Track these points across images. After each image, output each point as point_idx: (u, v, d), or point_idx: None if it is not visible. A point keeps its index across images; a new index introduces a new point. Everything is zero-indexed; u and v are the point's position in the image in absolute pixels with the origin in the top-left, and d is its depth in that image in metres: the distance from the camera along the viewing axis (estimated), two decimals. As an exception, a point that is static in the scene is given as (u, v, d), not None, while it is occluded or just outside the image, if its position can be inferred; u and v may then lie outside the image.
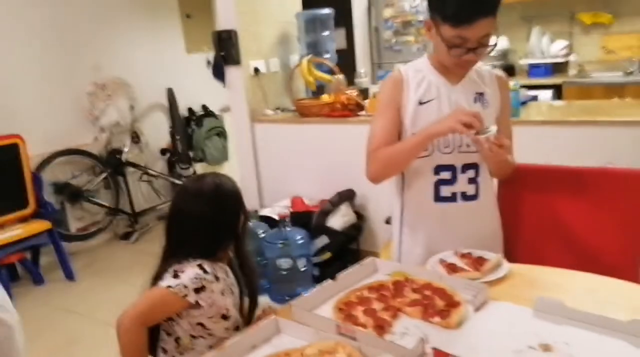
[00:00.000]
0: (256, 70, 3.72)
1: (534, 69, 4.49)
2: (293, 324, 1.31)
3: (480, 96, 1.62)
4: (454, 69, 1.57)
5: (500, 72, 1.70)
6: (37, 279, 3.77)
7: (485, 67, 1.67)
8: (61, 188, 4.15)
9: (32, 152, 3.73)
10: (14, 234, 3.46)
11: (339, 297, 1.42)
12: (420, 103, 1.60)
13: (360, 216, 3.44)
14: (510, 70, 4.59)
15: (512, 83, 2.85)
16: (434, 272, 1.50)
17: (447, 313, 1.28)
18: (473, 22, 1.42)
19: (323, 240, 3.25)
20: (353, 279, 1.52)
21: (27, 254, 3.79)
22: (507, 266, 1.51)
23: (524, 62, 4.60)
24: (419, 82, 1.62)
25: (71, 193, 4.23)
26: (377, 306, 1.37)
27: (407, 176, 1.70)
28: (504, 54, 4.62)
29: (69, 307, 3.40)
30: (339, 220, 3.29)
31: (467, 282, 1.39)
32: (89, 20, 4.32)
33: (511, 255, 1.65)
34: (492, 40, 1.49)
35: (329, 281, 1.49)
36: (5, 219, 3.50)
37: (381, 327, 1.26)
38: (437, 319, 1.28)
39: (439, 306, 1.33)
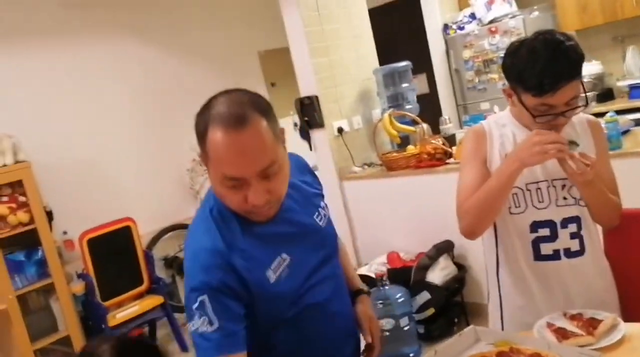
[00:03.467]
0: (340, 130, 3.79)
1: (634, 90, 4.19)
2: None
3: (572, 145, 1.53)
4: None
5: (591, 117, 1.60)
6: (155, 352, 3.96)
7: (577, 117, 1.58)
8: (171, 262, 4.40)
9: (142, 231, 4.00)
10: (132, 311, 3.70)
11: (441, 374, 1.36)
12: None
13: (460, 267, 3.31)
14: (608, 94, 4.32)
15: (607, 114, 2.68)
16: (541, 340, 1.39)
17: (560, 388, 1.18)
18: (557, 89, 1.35)
19: (424, 296, 3.15)
20: (454, 351, 1.45)
21: (145, 328, 4.01)
22: (623, 326, 1.37)
23: (622, 84, 4.32)
24: (503, 137, 1.56)
25: (180, 266, 4.46)
26: (481, 381, 1.29)
27: (500, 235, 1.62)
28: (600, 78, 4.36)
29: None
30: (438, 274, 3.19)
31: (579, 351, 1.28)
32: (181, 101, 4.66)
33: (628, 313, 1.50)
34: (581, 100, 1.41)
35: (430, 353, 1.44)
36: (123, 297, 3.76)
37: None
38: (549, 395, 1.18)
39: (550, 379, 1.23)
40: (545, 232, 1.54)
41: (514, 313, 1.62)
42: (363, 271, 3.43)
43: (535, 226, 1.54)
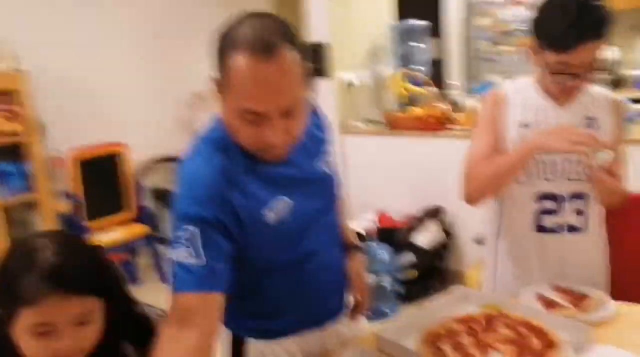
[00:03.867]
0: (347, 82, 3.71)
1: (644, 81, 4.15)
2: (377, 352, 1.27)
3: (591, 121, 1.50)
4: (558, 95, 1.47)
5: (616, 97, 1.57)
6: (135, 279, 3.99)
7: (600, 90, 1.54)
8: (160, 194, 4.37)
9: (134, 159, 3.95)
10: (115, 236, 3.69)
11: (426, 329, 1.36)
12: (525, 126, 1.51)
13: (448, 233, 3.33)
14: (618, 82, 4.26)
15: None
16: (530, 307, 1.39)
17: (544, 355, 1.19)
18: (577, 47, 1.32)
19: (408, 257, 3.17)
20: (440, 308, 1.45)
21: (125, 255, 4.01)
22: (612, 305, 1.38)
23: (634, 73, 4.26)
24: (522, 103, 1.52)
25: (168, 199, 4.44)
26: (466, 340, 1.29)
27: (503, 203, 1.60)
28: (612, 65, 4.30)
29: (163, 307, 3.56)
30: (425, 237, 3.20)
31: (567, 322, 1.28)
32: (186, 33, 4.53)
33: (619, 293, 1.51)
34: (599, 63, 1.37)
35: (414, 309, 1.44)
36: (107, 221, 3.74)
37: (470, 365, 1.19)
38: (533, 361, 1.19)
39: (535, 346, 1.23)
40: (549, 205, 1.52)
41: (507, 282, 1.62)
42: (351, 225, 3.43)
43: (540, 197, 1.52)
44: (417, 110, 3.46)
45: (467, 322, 1.36)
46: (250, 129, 1.04)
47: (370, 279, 3.01)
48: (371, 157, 3.67)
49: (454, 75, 4.75)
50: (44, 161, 3.52)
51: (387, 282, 3.05)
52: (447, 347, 1.27)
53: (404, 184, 3.53)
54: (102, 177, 3.71)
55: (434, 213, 3.28)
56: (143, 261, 4.13)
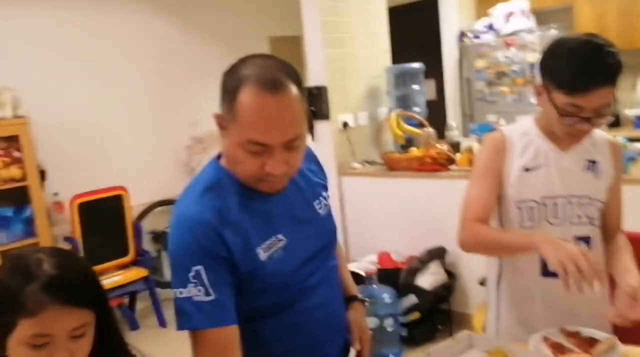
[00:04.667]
0: (345, 124, 3.75)
1: (641, 120, 4.20)
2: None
3: (592, 164, 1.51)
4: (564, 138, 1.47)
5: (613, 138, 1.58)
6: (133, 325, 3.92)
7: (599, 133, 1.55)
8: (158, 237, 4.35)
9: (133, 202, 3.95)
10: (114, 280, 3.65)
11: (432, 376, 1.34)
12: (527, 170, 1.50)
13: (451, 274, 3.30)
14: (617, 122, 4.32)
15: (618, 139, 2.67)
16: (538, 352, 1.37)
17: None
18: (590, 91, 1.32)
19: (411, 299, 3.13)
20: (446, 354, 1.43)
21: (125, 299, 3.96)
22: (622, 348, 1.36)
23: (631, 112, 4.31)
24: (524, 147, 1.52)
25: (167, 241, 4.41)
26: (473, 388, 1.27)
27: None
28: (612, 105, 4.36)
29: (161, 352, 3.49)
30: (428, 279, 3.17)
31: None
32: (186, 78, 4.60)
33: (624, 335, 1.49)
34: (610, 109, 1.38)
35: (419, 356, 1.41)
36: (107, 266, 3.71)
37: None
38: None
39: (544, 393, 1.21)
40: None
41: (510, 327, 1.59)
42: (352, 267, 3.40)
43: None
44: (415, 151, 3.48)
45: (474, 368, 1.34)
46: (253, 160, 1.09)
47: (372, 322, 2.97)
48: (370, 198, 3.67)
49: (452, 116, 4.82)
50: (45, 206, 3.53)
51: (389, 325, 3.00)
52: (454, 396, 1.24)
53: (404, 224, 3.51)
54: (102, 221, 3.70)
55: (437, 254, 3.25)
56: (142, 305, 4.08)
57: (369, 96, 3.97)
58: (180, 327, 1.09)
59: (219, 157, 1.22)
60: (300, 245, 1.21)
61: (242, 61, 1.11)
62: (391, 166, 3.56)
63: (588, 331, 1.43)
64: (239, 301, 1.13)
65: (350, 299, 1.42)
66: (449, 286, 3.26)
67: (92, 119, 4.07)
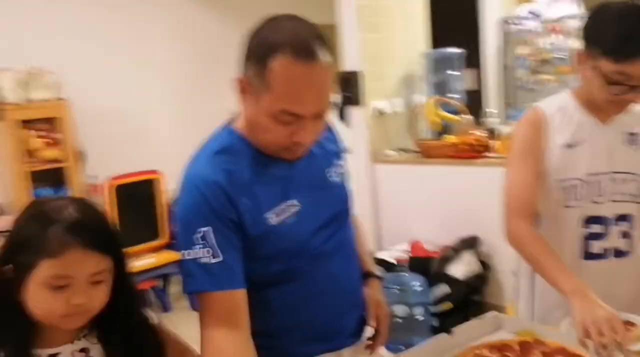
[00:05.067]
0: (379, 110, 3.69)
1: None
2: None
3: (632, 137, 1.43)
4: (607, 107, 1.38)
5: None
6: (166, 307, 3.98)
7: (637, 105, 1.46)
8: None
9: (168, 187, 3.99)
10: (148, 263, 3.70)
11: (454, 354, 1.28)
12: (569, 146, 1.42)
13: (485, 265, 3.20)
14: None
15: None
16: (569, 335, 1.29)
17: (584, 385, 1.09)
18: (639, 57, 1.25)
19: (443, 289, 3.06)
20: (472, 334, 1.36)
21: (158, 282, 4.02)
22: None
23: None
24: (563, 122, 1.43)
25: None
26: (498, 367, 1.20)
27: (545, 229, 1.49)
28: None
29: (192, 336, 3.52)
30: (461, 268, 3.09)
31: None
32: (224, 65, 4.61)
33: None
34: None
35: (444, 335, 1.35)
36: (141, 248, 3.76)
37: (502, 394, 1.10)
38: (571, 391, 1.09)
39: (573, 375, 1.14)
40: (596, 228, 1.43)
41: (545, 313, 1.51)
42: (383, 255, 3.35)
43: (588, 221, 1.44)
44: (451, 138, 3.39)
45: (500, 349, 1.28)
46: (282, 129, 1.05)
47: (401, 310, 2.91)
48: (403, 186, 3.60)
49: (491, 104, 4.67)
50: (82, 187, 3.60)
51: (419, 314, 2.94)
52: (477, 374, 1.18)
53: (438, 213, 3.43)
54: (137, 203, 3.76)
55: (470, 243, 3.16)
56: (175, 288, 4.13)
57: (405, 82, 3.90)
58: (185, 289, 1.08)
59: (231, 121, 1.20)
60: (314, 211, 1.17)
61: (270, 24, 1.06)
62: (426, 153, 3.48)
63: (625, 315, 1.34)
64: (250, 267, 1.10)
65: (366, 275, 1.36)
66: (483, 277, 3.16)
67: (130, 103, 4.14)
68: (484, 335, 1.37)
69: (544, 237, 1.43)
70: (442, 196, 3.40)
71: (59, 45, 3.74)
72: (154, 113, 4.30)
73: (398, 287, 2.93)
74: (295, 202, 1.14)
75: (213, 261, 1.04)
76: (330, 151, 1.27)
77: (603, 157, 1.41)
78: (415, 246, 3.36)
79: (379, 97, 3.71)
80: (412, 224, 3.54)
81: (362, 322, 1.32)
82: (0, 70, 3.25)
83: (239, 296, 1.07)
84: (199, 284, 1.06)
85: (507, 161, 1.51)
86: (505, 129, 3.43)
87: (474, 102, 4.17)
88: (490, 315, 1.43)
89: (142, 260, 3.69)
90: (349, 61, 3.66)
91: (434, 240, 3.37)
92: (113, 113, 4.02)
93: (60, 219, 0.91)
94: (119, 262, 0.97)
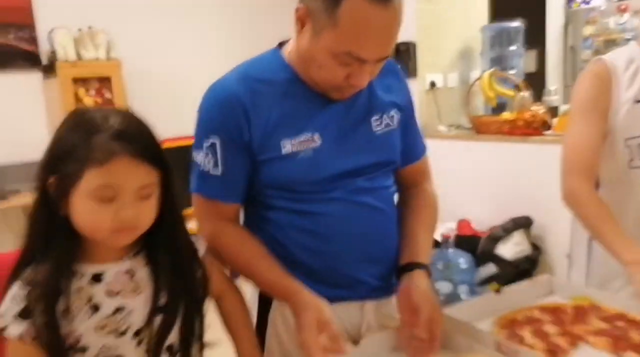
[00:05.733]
0: (432, 84, 3.57)
1: None
2: (442, 331, 1.11)
3: None
4: None
5: None
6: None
7: None
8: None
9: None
10: (190, 228, 3.72)
11: (503, 314, 1.19)
12: (638, 101, 1.31)
13: (536, 247, 3.05)
14: None
15: None
16: (630, 301, 1.18)
17: (648, 350, 0.98)
18: None
19: (490, 269, 2.93)
20: (522, 296, 1.27)
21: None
22: None
23: None
24: (633, 75, 1.32)
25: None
26: (550, 329, 1.11)
27: (607, 189, 1.40)
28: None
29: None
30: (510, 249, 2.95)
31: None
32: (276, 32, 4.57)
33: None
34: None
35: (492, 294, 1.26)
36: (188, 212, 3.78)
37: (554, 353, 1.01)
38: (630, 353, 0.99)
39: (634, 340, 1.03)
40: None
41: (604, 282, 1.40)
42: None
43: None
44: (507, 115, 3.23)
45: (553, 311, 1.18)
46: (340, 69, 1.01)
47: (445, 287, 2.81)
48: (454, 163, 3.46)
49: (552, 82, 4.45)
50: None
51: (463, 292, 2.82)
52: (525, 334, 1.09)
53: (489, 192, 3.29)
54: (182, 168, 3.77)
55: (522, 223, 3.01)
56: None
57: (461, 56, 3.75)
58: (192, 187, 1.13)
59: (280, 45, 1.14)
60: (337, 155, 1.09)
61: None
62: (480, 129, 3.33)
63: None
64: (260, 191, 1.10)
65: (414, 266, 1.13)
66: (533, 259, 3.01)
67: (181, 66, 4.14)
68: (535, 298, 1.27)
69: (604, 200, 1.33)
70: (494, 174, 3.26)
71: (113, 5, 3.77)
72: (204, 78, 4.29)
73: (443, 263, 2.83)
74: (316, 137, 1.07)
75: (212, 172, 1.06)
76: (385, 100, 1.16)
77: None
78: (462, 224, 3.24)
79: (433, 70, 3.59)
80: (461, 203, 3.41)
81: (387, 280, 1.18)
82: (55, 28, 3.30)
83: (232, 209, 1.11)
84: (195, 185, 1.12)
85: (570, 117, 1.41)
86: (565, 107, 3.25)
87: (533, 82, 3.98)
88: (543, 278, 1.34)
89: (189, 224, 3.71)
90: (404, 32, 3.51)
91: (483, 220, 3.24)
92: (163, 75, 4.03)
93: (106, 127, 0.86)
94: (166, 179, 0.93)
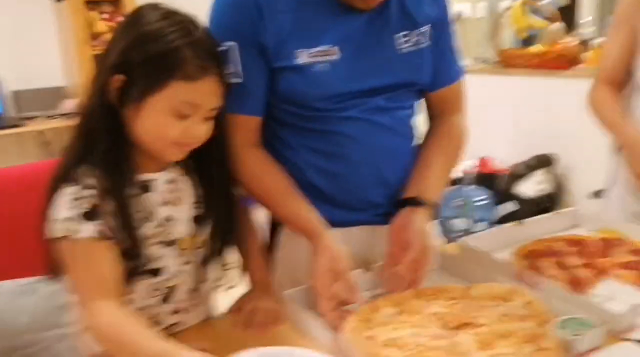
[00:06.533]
0: (459, 14, 3.38)
1: None
2: (458, 261, 1.06)
3: None
4: None
5: None
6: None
7: None
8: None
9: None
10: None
11: (523, 244, 1.13)
12: None
13: (559, 186, 2.96)
14: None
15: None
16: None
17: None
18: None
19: (510, 207, 2.86)
20: (545, 227, 1.21)
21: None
22: None
23: None
24: None
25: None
26: (573, 261, 1.05)
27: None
28: None
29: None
30: (532, 186, 2.86)
31: None
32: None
33: None
34: None
35: (514, 224, 1.20)
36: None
37: (578, 285, 0.96)
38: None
39: (666, 274, 0.97)
40: None
41: (630, 205, 1.34)
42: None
43: None
44: (537, 47, 3.06)
45: (577, 243, 1.12)
46: None
47: (463, 223, 2.76)
48: (478, 98, 3.26)
49: (587, 13, 4.19)
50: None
51: (482, 229, 2.78)
52: (547, 264, 1.04)
53: (514, 129, 3.17)
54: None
55: (545, 161, 2.91)
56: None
57: (491, -16, 3.54)
58: None
59: None
60: (355, 71, 1.00)
61: None
62: (507, 63, 3.17)
63: None
64: (272, 103, 1.01)
65: (417, 202, 1.04)
66: (555, 198, 2.93)
67: None
68: (559, 231, 1.21)
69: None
70: (520, 111, 3.12)
71: None
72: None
73: (461, 200, 2.77)
74: (335, 49, 0.98)
75: (233, 80, 0.94)
76: (416, 14, 1.04)
77: None
78: (484, 161, 3.15)
79: (461, -1, 3.40)
80: (483, 140, 3.28)
81: (392, 203, 1.09)
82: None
83: (253, 123, 1.01)
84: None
85: (608, 32, 1.46)
86: (599, 40, 3.06)
87: (567, 12, 3.75)
88: (568, 210, 1.27)
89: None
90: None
91: (506, 158, 3.14)
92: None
93: (197, 39, 0.81)
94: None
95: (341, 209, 1.05)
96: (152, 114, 0.81)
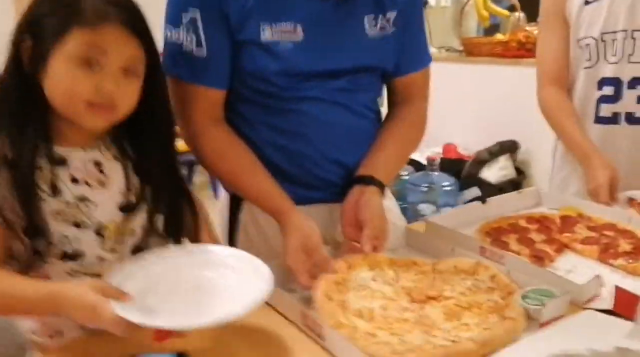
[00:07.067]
0: (425, 2, 3.40)
1: None
2: (424, 238, 1.07)
3: None
4: None
5: None
6: (189, 194, 3.97)
7: None
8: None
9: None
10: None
11: (486, 222, 1.15)
12: (587, 2, 1.30)
13: (520, 172, 3.03)
14: None
15: None
16: (621, 212, 1.15)
17: (635, 257, 0.96)
18: None
19: (474, 192, 2.91)
20: (507, 206, 1.24)
21: (185, 169, 3.98)
22: None
23: None
24: None
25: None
26: (536, 236, 1.08)
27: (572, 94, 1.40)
28: None
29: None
30: (495, 173, 2.92)
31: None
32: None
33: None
34: None
35: (477, 203, 1.23)
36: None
37: (540, 259, 0.98)
38: (620, 261, 0.96)
39: (623, 248, 1.00)
40: (609, 91, 1.31)
41: (570, 186, 1.42)
42: (414, 156, 3.20)
43: (601, 82, 1.32)
44: (500, 36, 3.12)
45: (540, 220, 1.15)
46: None
47: (428, 209, 2.80)
48: (442, 86, 3.28)
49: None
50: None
51: (446, 215, 2.82)
52: (510, 240, 1.06)
53: (476, 116, 3.23)
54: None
55: (508, 148, 2.97)
56: (200, 178, 4.11)
57: (455, -27, 3.57)
58: (165, 69, 0.93)
59: None
60: (317, 52, 0.99)
61: None
62: (470, 51, 3.22)
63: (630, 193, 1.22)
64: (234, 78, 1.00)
65: (369, 180, 1.03)
66: (517, 183, 2.99)
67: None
68: (521, 209, 1.23)
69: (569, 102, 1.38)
70: (484, 98, 3.17)
71: None
72: None
73: (426, 186, 2.80)
74: (298, 29, 0.96)
75: (196, 53, 0.94)
76: (384, 0, 1.03)
77: (624, 12, 1.27)
78: (448, 148, 3.20)
79: (426, -13, 3.42)
80: (447, 128, 3.33)
81: (344, 178, 1.09)
82: None
83: (218, 96, 1.00)
84: (177, 69, 0.97)
85: (538, 26, 1.48)
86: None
87: (529, 1, 3.82)
88: (531, 189, 1.30)
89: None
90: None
91: (469, 145, 3.20)
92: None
93: None
94: (152, 64, 0.85)
95: (299, 187, 1.05)
96: (59, 69, 0.78)
